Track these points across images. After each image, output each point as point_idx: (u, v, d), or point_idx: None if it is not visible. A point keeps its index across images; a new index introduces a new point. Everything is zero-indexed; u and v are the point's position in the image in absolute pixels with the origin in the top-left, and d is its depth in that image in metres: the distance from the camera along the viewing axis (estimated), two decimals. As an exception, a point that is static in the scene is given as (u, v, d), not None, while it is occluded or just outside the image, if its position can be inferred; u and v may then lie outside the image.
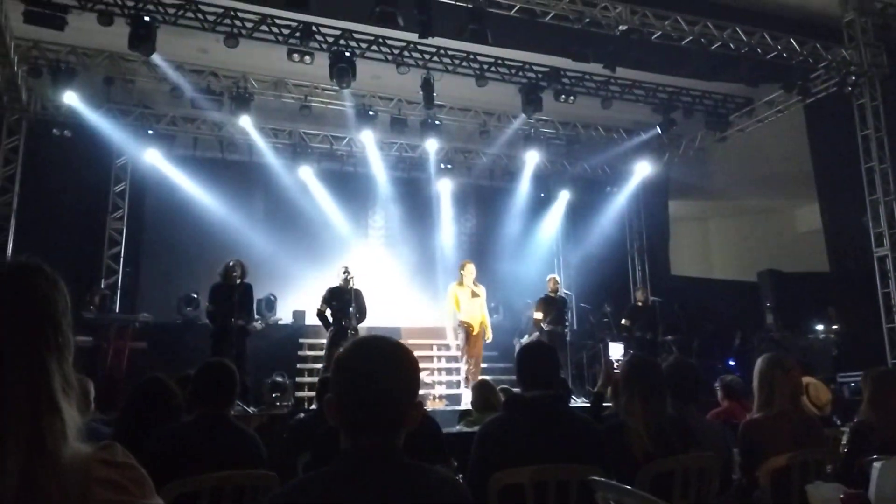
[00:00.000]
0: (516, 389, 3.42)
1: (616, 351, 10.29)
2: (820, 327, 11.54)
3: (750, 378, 3.60)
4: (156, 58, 9.71)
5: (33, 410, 0.98)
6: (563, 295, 10.52)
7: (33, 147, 10.62)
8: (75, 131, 10.63)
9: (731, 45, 9.79)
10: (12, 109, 10.49)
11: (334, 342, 8.49)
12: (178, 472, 2.65)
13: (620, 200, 14.37)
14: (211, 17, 9.42)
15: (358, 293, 9.05)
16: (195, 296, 10.24)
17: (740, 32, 9.76)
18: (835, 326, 11.23)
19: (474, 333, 9.46)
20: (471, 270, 9.76)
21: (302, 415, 5.93)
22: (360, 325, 8.99)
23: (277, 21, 9.68)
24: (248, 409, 8.08)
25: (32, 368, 1.00)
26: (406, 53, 10.49)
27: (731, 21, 9.76)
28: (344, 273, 9.04)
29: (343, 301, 8.90)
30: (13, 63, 9.69)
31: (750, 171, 13.96)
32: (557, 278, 10.60)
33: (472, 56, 10.82)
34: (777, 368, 3.41)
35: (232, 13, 9.47)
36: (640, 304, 11.05)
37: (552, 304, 10.11)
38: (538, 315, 10.04)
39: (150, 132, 11.22)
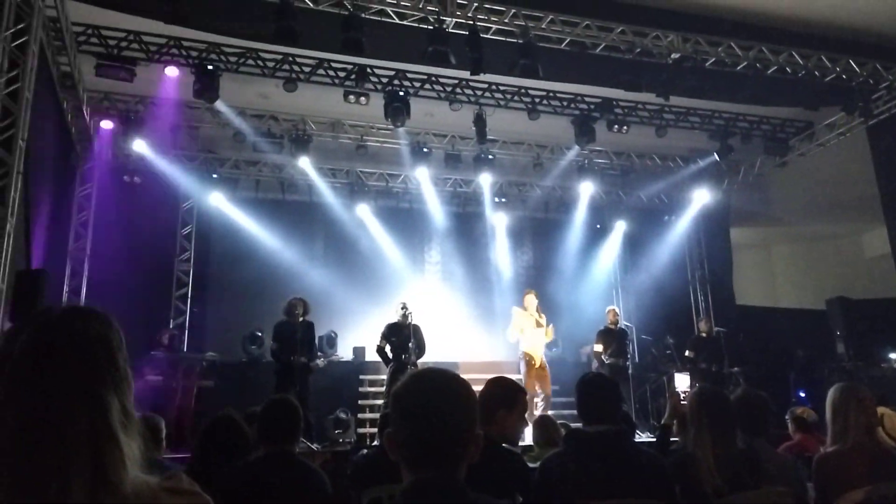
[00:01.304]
0: (577, 424, 3.36)
1: (682, 382, 10.05)
2: (893, 356, 11.06)
3: (821, 409, 3.48)
4: (219, 104, 10.13)
5: (93, 441, 1.03)
6: (623, 327, 10.37)
7: (105, 193, 11.14)
8: (144, 177, 11.11)
9: (788, 69, 9.63)
10: (85, 158, 11.06)
11: (394, 378, 8.54)
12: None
13: (679, 229, 14.14)
14: (270, 64, 9.79)
15: (416, 328, 9.15)
16: (259, 334, 10.48)
17: (796, 56, 9.60)
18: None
19: (537, 366, 9.37)
20: (533, 299, 9.73)
21: (365, 451, 5.95)
22: (418, 361, 9.04)
23: (334, 65, 9.98)
24: (313, 446, 8.18)
25: (91, 402, 1.05)
26: (458, 90, 10.66)
27: (786, 45, 9.62)
28: (402, 309, 9.16)
29: (402, 337, 9.00)
30: (86, 114, 10.24)
31: (813, 195, 13.60)
32: (617, 310, 10.45)
33: (523, 90, 10.91)
34: (851, 399, 3.30)
35: (290, 59, 9.82)
36: (704, 334, 10.78)
37: (612, 336, 9.97)
38: (598, 347, 9.90)
39: (215, 176, 11.63)
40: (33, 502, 0.99)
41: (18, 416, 1.02)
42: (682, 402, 9.98)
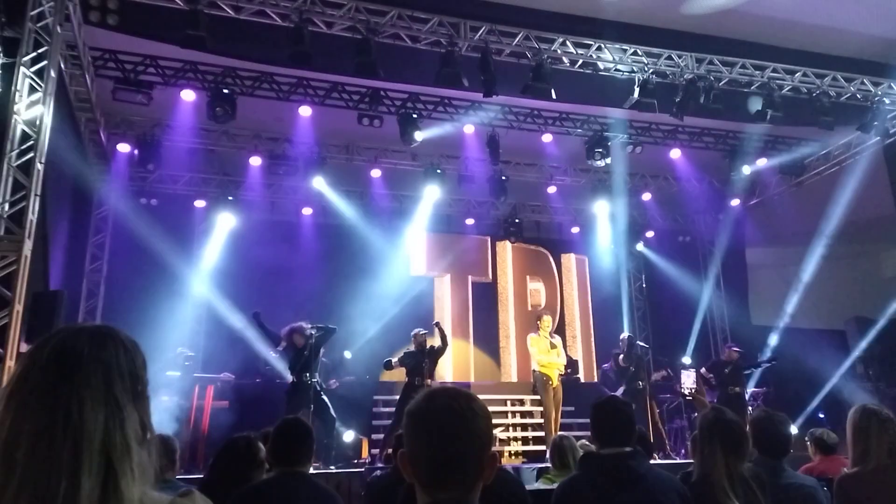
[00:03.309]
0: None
1: (688, 380, 10.08)
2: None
3: (840, 431, 3.42)
4: (234, 127, 10.22)
5: (107, 451, 1.05)
6: (639, 350, 10.31)
7: (121, 215, 11.24)
8: (160, 199, 11.18)
9: (803, 89, 9.61)
10: (102, 181, 11.19)
11: (406, 397, 8.63)
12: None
13: (695, 249, 14.07)
14: (285, 87, 9.89)
15: (432, 348, 9.32)
16: (273, 355, 10.45)
17: (811, 75, 9.59)
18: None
19: (553, 386, 9.40)
20: (548, 322, 9.77)
21: (378, 472, 5.92)
22: (441, 353, 9.44)
23: (347, 88, 10.07)
24: (330, 468, 8.18)
25: (110, 411, 1.08)
26: (471, 112, 10.71)
27: (801, 64, 9.61)
28: (415, 338, 9.44)
29: (416, 361, 9.11)
30: (103, 137, 10.37)
31: (829, 215, 13.48)
32: (631, 337, 10.47)
33: (535, 111, 10.95)
34: (873, 420, 3.24)
35: (305, 82, 9.92)
36: (724, 358, 10.69)
37: (630, 361, 10.01)
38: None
39: (230, 198, 11.70)
40: None
41: (37, 419, 1.05)
42: (688, 398, 9.97)
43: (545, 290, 13.91)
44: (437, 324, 9.82)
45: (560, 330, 12.72)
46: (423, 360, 9.12)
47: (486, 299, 13.40)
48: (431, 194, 12.06)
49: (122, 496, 1.04)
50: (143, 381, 1.16)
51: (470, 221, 13.56)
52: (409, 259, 12.99)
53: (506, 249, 13.73)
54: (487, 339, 13.20)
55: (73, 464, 1.02)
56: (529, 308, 13.49)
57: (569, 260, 14.26)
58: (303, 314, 9.42)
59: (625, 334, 10.42)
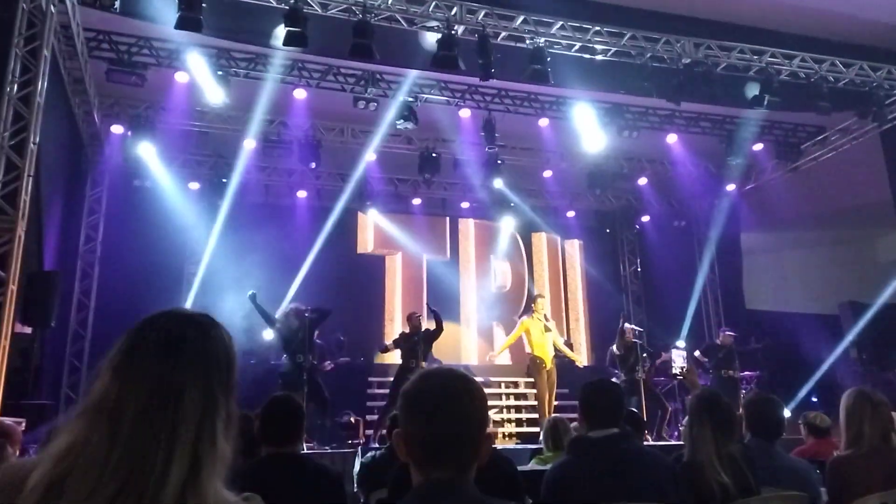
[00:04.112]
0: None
1: (678, 358, 10.20)
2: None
3: (833, 414, 3.45)
4: (228, 108, 10.16)
5: (197, 440, 1.08)
6: (635, 334, 10.29)
7: (115, 196, 11.21)
8: (154, 181, 11.13)
9: (801, 74, 9.59)
10: (95, 162, 11.13)
11: (401, 378, 8.66)
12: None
13: (690, 234, 14.10)
14: (280, 69, 9.80)
15: (427, 333, 9.30)
16: (267, 337, 10.45)
17: (809, 60, 9.56)
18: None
19: (547, 368, 9.42)
20: (542, 305, 9.76)
21: (373, 452, 5.94)
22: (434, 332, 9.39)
23: (343, 70, 10.00)
24: (325, 448, 8.24)
25: (206, 402, 1.12)
26: (468, 96, 10.65)
27: (799, 49, 9.58)
28: (410, 320, 9.42)
29: (411, 344, 9.12)
30: (97, 118, 10.30)
31: (825, 200, 13.50)
32: (634, 327, 10.44)
33: (532, 95, 10.89)
34: (866, 403, 3.26)
35: (300, 65, 9.84)
36: (717, 342, 10.72)
37: (630, 352, 9.98)
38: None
39: (224, 181, 11.64)
40: (131, 490, 1.02)
41: (140, 398, 1.08)
42: (679, 377, 9.99)
43: (511, 271, 13.86)
44: (431, 306, 9.85)
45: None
46: (417, 342, 9.12)
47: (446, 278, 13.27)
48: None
49: (201, 488, 1.06)
50: (234, 376, 1.20)
51: (465, 205, 13.52)
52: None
53: (503, 231, 13.70)
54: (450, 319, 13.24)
55: (168, 448, 1.05)
56: (493, 289, 13.49)
57: (555, 242, 14.30)
58: (296, 296, 9.44)
59: (629, 326, 10.37)
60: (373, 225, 13.09)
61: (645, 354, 9.95)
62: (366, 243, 13.08)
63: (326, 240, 11.81)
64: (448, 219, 13.67)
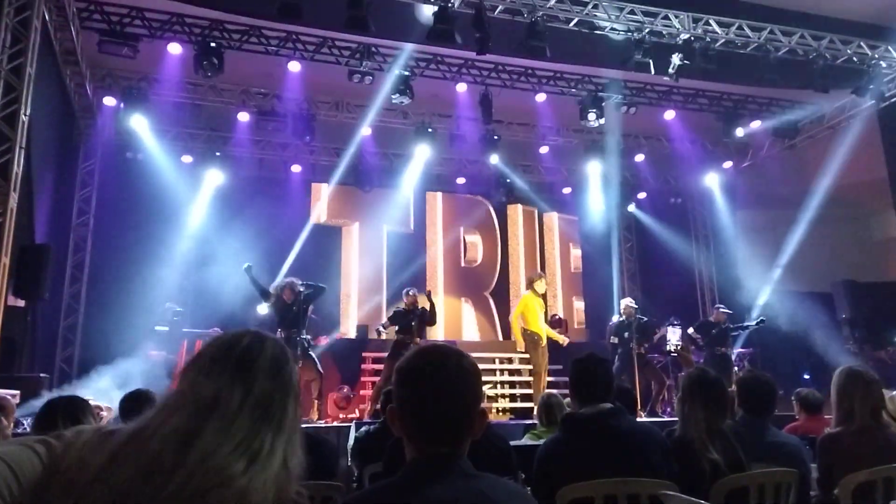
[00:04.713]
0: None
1: (674, 335, 10.23)
2: (899, 338, 11.04)
3: (826, 391, 3.46)
4: (223, 82, 10.05)
5: (289, 438, 1.20)
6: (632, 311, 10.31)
7: (108, 169, 11.12)
8: (147, 153, 11.03)
9: (799, 51, 9.53)
10: (88, 134, 11.03)
11: (395, 354, 8.65)
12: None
13: (686, 211, 14.10)
14: (274, 42, 9.69)
15: (423, 310, 9.28)
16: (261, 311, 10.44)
17: (808, 37, 9.49)
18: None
19: (542, 345, 9.48)
20: (543, 284, 9.79)
21: (367, 427, 5.97)
22: (429, 327, 9.44)
23: (338, 43, 9.88)
24: (319, 422, 8.32)
25: (285, 409, 1.22)
26: (464, 70, 10.56)
27: (797, 26, 9.51)
28: (406, 296, 9.37)
29: (406, 321, 9.10)
30: (89, 90, 10.19)
31: (821, 178, 13.49)
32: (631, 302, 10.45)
33: (529, 70, 10.81)
34: (858, 381, 3.27)
35: (294, 37, 9.72)
36: (711, 319, 10.75)
37: (629, 328, 10.01)
38: (614, 340, 10.06)
39: (218, 154, 11.55)
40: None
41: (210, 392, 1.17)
42: (673, 354, 10.01)
43: (483, 244, 13.76)
44: (429, 293, 9.85)
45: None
46: (412, 319, 9.12)
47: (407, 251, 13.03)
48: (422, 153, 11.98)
49: (291, 475, 1.17)
50: (297, 384, 1.29)
51: (461, 181, 13.46)
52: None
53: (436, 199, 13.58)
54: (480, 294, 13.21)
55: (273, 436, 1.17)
56: (463, 263, 13.46)
57: (551, 219, 14.28)
58: (289, 271, 9.42)
59: (628, 303, 10.37)
60: (327, 196, 12.84)
61: (645, 321, 9.99)
62: (319, 214, 12.80)
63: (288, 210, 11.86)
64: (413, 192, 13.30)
